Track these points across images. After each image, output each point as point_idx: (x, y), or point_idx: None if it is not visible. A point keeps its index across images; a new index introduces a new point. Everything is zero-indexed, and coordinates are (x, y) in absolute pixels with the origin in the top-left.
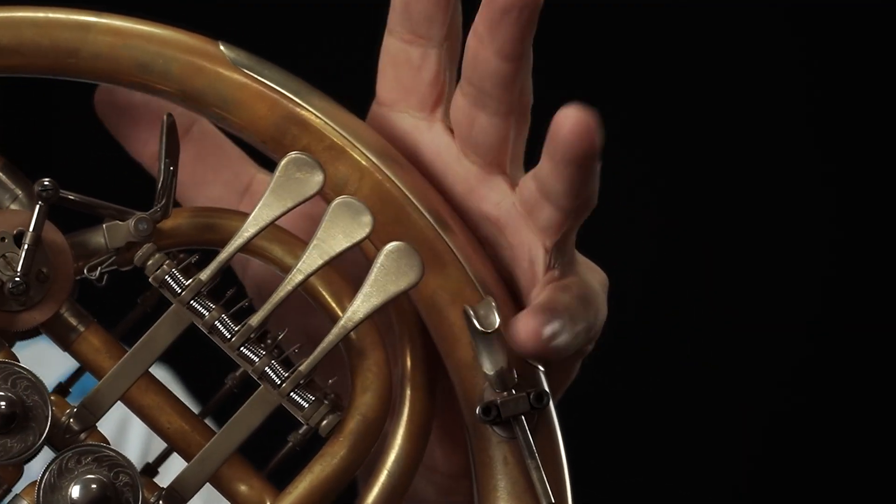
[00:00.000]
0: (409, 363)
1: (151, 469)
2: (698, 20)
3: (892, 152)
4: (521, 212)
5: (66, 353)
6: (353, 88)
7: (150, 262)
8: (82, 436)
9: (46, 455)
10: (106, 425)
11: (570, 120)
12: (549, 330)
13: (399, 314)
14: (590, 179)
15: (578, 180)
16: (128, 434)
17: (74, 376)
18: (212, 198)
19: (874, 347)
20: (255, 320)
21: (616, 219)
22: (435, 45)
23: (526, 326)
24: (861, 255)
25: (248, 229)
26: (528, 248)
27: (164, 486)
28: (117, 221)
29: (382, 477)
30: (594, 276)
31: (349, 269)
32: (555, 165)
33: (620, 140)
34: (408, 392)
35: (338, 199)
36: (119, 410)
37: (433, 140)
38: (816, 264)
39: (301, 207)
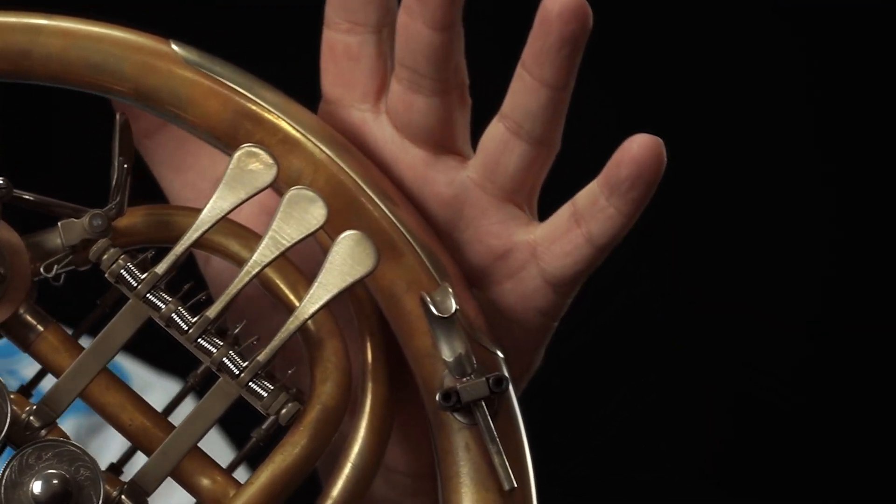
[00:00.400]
0: (369, 355)
1: (116, 469)
2: (698, 19)
3: (893, 152)
4: (478, 181)
5: None
6: (309, 88)
7: (105, 256)
8: (43, 432)
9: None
10: None
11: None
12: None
13: (358, 307)
14: (573, 74)
15: (565, 73)
16: None
17: (37, 378)
18: (186, 183)
19: (874, 347)
20: (211, 312)
21: None
22: (372, 30)
23: (645, 138)
24: (861, 255)
25: (203, 222)
26: (494, 212)
27: (126, 481)
28: (72, 219)
29: (346, 470)
30: None
31: (305, 261)
32: (543, 56)
33: (619, 140)
34: (369, 384)
35: (291, 191)
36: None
37: (379, 131)
38: (816, 264)
39: (262, 203)
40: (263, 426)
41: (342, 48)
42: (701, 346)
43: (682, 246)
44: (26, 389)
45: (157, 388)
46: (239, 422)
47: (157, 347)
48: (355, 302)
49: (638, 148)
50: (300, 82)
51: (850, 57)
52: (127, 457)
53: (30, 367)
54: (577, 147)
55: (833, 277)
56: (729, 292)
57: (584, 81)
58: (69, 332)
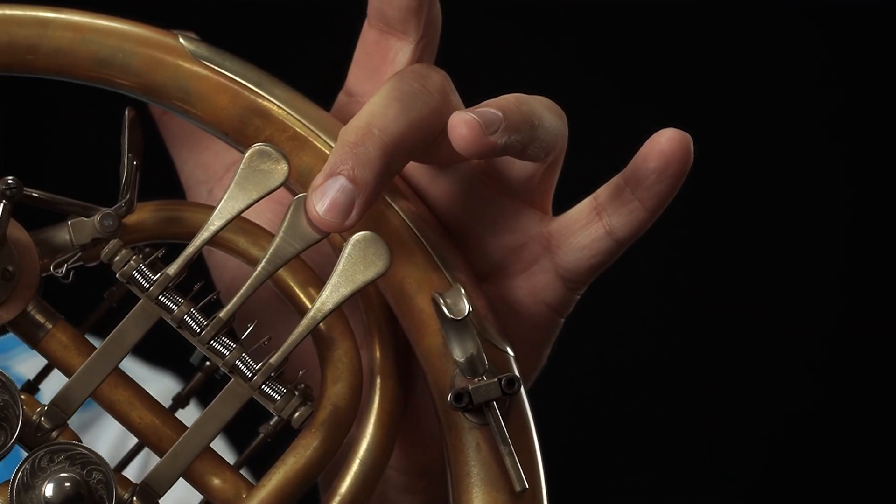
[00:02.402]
0: (378, 352)
1: (121, 464)
2: (718, 18)
3: None
4: (487, 181)
5: None
6: (319, 83)
7: (117, 258)
8: (54, 434)
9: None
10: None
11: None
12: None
13: (367, 303)
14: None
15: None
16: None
17: (42, 374)
18: (200, 163)
19: (881, 350)
20: (224, 313)
21: None
22: (411, 40)
23: (674, 132)
24: (877, 258)
25: (214, 222)
26: (506, 208)
27: (138, 483)
28: (82, 218)
29: (355, 465)
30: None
31: (318, 260)
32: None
33: (631, 143)
34: (378, 381)
35: (301, 196)
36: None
37: None
38: (833, 268)
39: (273, 195)
40: (272, 422)
41: (382, 46)
42: (704, 348)
43: (685, 245)
44: (32, 385)
45: (151, 384)
46: (236, 419)
47: (150, 342)
48: (364, 298)
49: (666, 142)
50: (311, 78)
51: (868, 57)
52: (133, 453)
53: (24, 364)
54: (597, 146)
55: (850, 281)
56: (732, 293)
57: (603, 81)
58: (75, 326)
